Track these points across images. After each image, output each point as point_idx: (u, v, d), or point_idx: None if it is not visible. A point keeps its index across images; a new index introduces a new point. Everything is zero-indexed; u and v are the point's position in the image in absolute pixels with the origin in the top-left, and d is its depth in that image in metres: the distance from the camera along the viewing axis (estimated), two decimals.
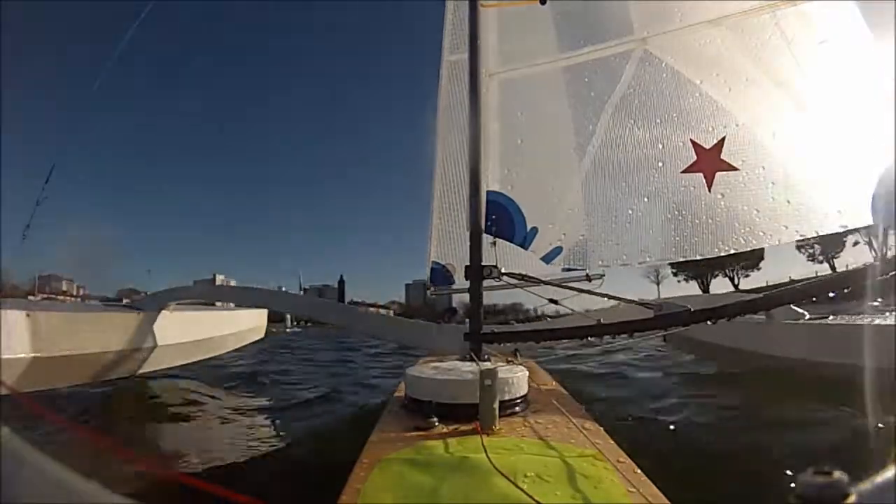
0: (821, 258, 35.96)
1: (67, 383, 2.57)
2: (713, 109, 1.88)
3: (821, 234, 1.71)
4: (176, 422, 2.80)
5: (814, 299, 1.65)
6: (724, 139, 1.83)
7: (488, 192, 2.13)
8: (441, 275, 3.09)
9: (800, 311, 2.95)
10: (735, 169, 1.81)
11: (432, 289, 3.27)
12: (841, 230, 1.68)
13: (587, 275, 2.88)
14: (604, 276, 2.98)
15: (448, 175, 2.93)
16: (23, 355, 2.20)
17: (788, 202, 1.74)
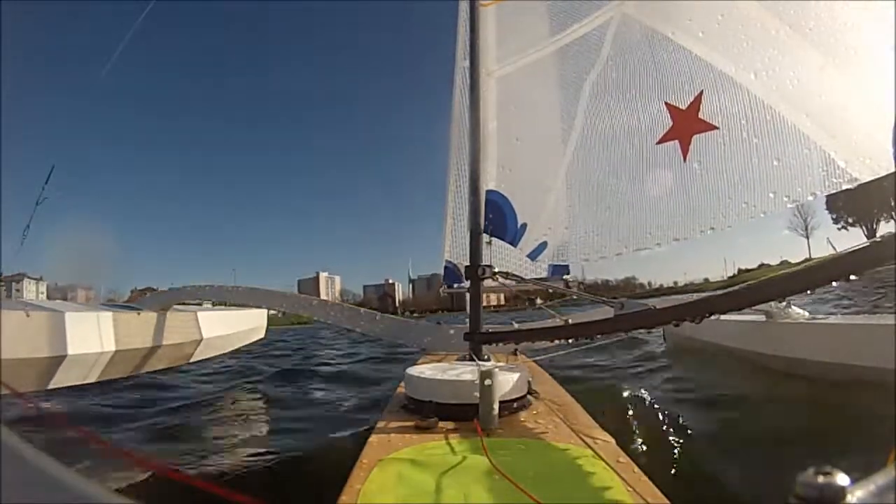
0: None
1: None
2: (688, 62, 1.63)
3: (819, 195, 1.39)
4: None
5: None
6: (701, 94, 1.59)
7: (487, 192, 2.12)
8: (453, 273, 3.13)
9: (798, 310, 2.69)
10: (714, 128, 1.56)
11: (444, 287, 3.35)
12: (851, 186, 1.35)
13: (566, 281, 2.87)
14: (584, 282, 2.97)
15: (460, 177, 2.94)
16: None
17: (777, 161, 1.45)
